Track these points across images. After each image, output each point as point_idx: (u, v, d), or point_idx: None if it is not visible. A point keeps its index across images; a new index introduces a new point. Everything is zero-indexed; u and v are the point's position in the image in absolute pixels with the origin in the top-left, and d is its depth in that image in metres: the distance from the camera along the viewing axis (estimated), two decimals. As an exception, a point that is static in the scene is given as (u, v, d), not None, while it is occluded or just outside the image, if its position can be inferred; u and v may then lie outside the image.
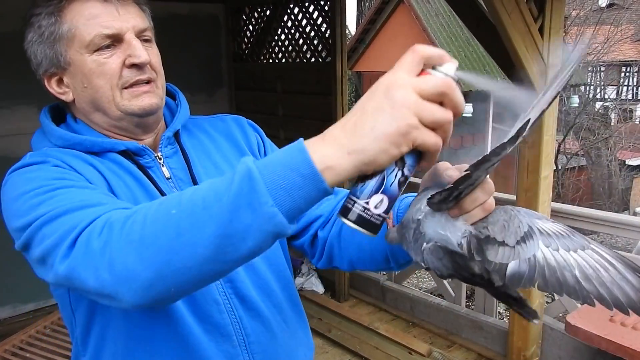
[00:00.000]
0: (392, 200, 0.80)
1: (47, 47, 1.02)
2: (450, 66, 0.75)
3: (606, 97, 17.11)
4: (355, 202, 0.79)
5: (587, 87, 14.91)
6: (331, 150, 0.71)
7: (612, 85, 18.47)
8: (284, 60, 4.45)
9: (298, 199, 0.70)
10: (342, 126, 0.72)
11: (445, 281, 4.05)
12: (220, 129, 1.22)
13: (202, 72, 4.64)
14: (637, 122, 17.13)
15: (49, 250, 0.85)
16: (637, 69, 18.62)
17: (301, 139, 0.74)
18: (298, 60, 4.32)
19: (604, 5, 16.66)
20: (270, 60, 4.55)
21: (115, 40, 1.01)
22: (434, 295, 4.31)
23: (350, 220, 0.79)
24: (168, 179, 1.09)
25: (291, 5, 4.23)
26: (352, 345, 3.63)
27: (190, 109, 1.21)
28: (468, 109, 8.02)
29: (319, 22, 4.07)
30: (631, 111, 17.81)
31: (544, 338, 3.31)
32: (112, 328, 1.03)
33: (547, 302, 3.55)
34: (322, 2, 3.98)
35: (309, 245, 1.20)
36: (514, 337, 3.27)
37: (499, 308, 3.95)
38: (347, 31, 4.26)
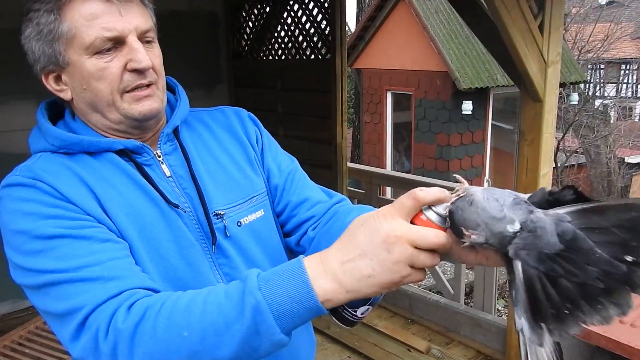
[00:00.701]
0: (374, 303, 0.98)
1: (46, 45, 0.99)
2: (443, 206, 0.80)
3: (606, 94, 17.11)
4: (344, 308, 0.96)
5: (587, 85, 14.91)
6: (331, 287, 0.79)
7: (611, 83, 18.48)
8: (283, 57, 4.44)
9: (299, 322, 0.80)
10: (341, 263, 0.79)
11: (444, 278, 4.06)
12: (220, 122, 1.21)
13: (202, 69, 4.64)
14: (637, 120, 17.14)
15: (56, 315, 0.90)
16: (636, 66, 18.62)
17: (301, 263, 0.81)
18: (297, 57, 4.32)
19: (603, 2, 16.67)
20: (270, 57, 4.54)
21: (117, 42, 0.97)
22: (433, 292, 4.31)
23: (336, 318, 0.97)
24: (168, 177, 1.07)
25: (291, 2, 4.23)
26: (351, 342, 3.63)
27: (189, 105, 1.19)
28: (468, 107, 8.02)
29: (318, 19, 4.06)
30: (630, 109, 17.83)
31: (542, 335, 3.31)
32: None
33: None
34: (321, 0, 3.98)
35: (296, 244, 1.22)
36: (513, 335, 3.27)
37: (497, 305, 3.95)
38: (346, 28, 4.26)
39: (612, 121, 15.06)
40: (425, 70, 8.46)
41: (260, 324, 0.77)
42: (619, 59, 16.89)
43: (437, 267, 4.13)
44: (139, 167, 1.04)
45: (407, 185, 4.65)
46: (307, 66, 4.22)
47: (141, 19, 0.99)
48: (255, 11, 4.56)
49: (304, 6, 4.13)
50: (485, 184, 8.51)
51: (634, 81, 19.59)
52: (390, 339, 3.64)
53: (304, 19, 4.17)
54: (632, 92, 19.56)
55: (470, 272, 5.40)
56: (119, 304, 0.85)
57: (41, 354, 2.99)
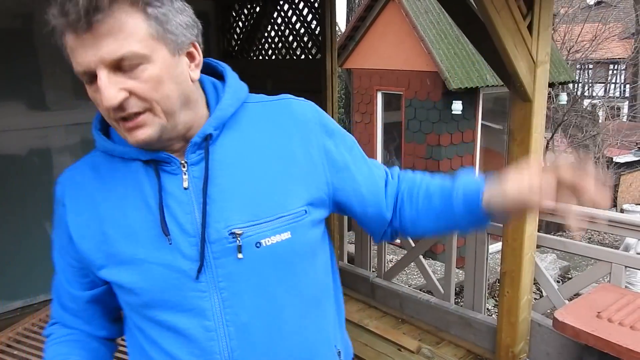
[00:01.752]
0: None
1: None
2: None
3: (594, 94, 17.21)
4: None
5: (575, 85, 14.99)
6: None
7: (600, 83, 18.59)
8: (273, 57, 4.44)
9: None
10: None
11: (434, 278, 4.07)
12: (278, 123, 1.08)
13: (192, 68, 4.62)
14: (625, 120, 17.25)
15: None
16: (624, 66, 18.73)
17: None
18: (288, 57, 4.32)
19: (591, 3, 16.76)
20: (260, 57, 4.54)
21: (92, 76, 0.91)
22: (423, 292, 4.32)
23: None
24: (186, 189, 1.02)
25: (281, 2, 4.23)
26: (342, 342, 3.63)
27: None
28: (458, 107, 8.04)
29: (308, 19, 4.06)
30: (619, 109, 17.94)
31: (532, 334, 3.33)
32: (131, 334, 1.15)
33: (535, 299, 3.57)
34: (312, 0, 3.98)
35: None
36: (503, 334, 3.29)
37: (487, 305, 3.97)
38: (337, 28, 4.26)
39: (600, 121, 15.15)
40: (415, 71, 8.47)
41: None
42: (607, 59, 16.99)
43: (427, 267, 4.14)
44: (161, 177, 1.02)
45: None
46: (298, 66, 4.22)
47: (111, 47, 0.88)
48: (246, 11, 4.56)
49: (294, 6, 4.14)
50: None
51: (622, 81, 19.71)
52: (381, 339, 3.64)
53: (294, 19, 4.17)
54: (620, 92, 19.69)
55: (460, 271, 5.42)
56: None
57: (29, 356, 2.97)
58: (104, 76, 0.89)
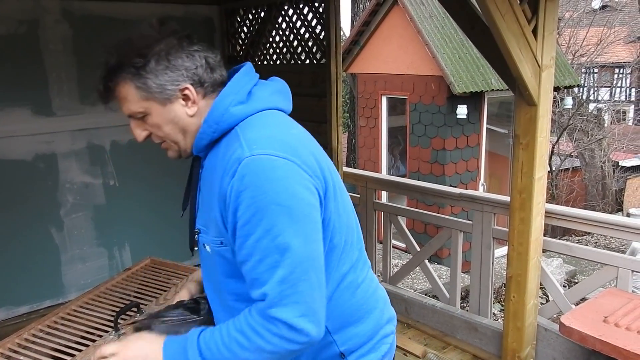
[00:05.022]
0: None
1: None
2: None
3: (599, 98, 17.18)
4: None
5: (581, 89, 14.96)
6: None
7: (605, 87, 18.56)
8: (278, 62, 4.45)
9: None
10: None
11: (440, 282, 4.06)
12: (224, 157, 1.28)
13: (197, 74, 4.63)
14: (630, 124, 17.20)
15: None
16: (629, 70, 18.70)
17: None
18: (292, 62, 4.32)
19: (597, 7, 16.74)
20: (265, 62, 4.54)
21: None
22: (429, 296, 4.31)
23: None
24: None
25: (285, 7, 4.23)
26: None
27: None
28: (462, 111, 8.02)
29: (313, 23, 4.06)
30: (624, 112, 17.91)
31: (538, 339, 3.32)
32: None
33: (541, 304, 3.56)
34: (316, 4, 3.98)
35: None
36: (509, 339, 3.28)
37: (493, 309, 3.96)
38: (341, 33, 4.26)
39: (606, 125, 15.12)
40: (420, 75, 8.46)
41: None
42: (613, 62, 16.95)
43: (433, 271, 4.13)
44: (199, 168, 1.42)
45: (403, 190, 4.66)
46: (302, 71, 4.22)
47: (128, 105, 1.31)
48: (250, 16, 4.57)
49: (298, 11, 4.14)
50: (481, 188, 8.52)
51: (628, 85, 19.67)
52: (386, 344, 3.63)
53: (298, 23, 4.17)
54: (626, 95, 19.65)
55: (466, 276, 5.40)
56: None
57: (36, 361, 2.96)
58: (131, 122, 1.36)
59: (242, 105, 1.30)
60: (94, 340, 2.99)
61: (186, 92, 1.30)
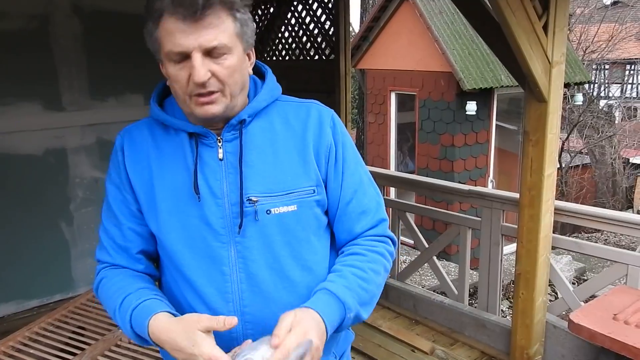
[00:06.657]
0: None
1: (153, 42, 1.22)
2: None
3: (610, 95, 17.07)
4: None
5: (591, 85, 14.87)
6: None
7: (616, 83, 18.44)
8: (287, 58, 4.45)
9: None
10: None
11: (448, 279, 4.05)
12: (300, 119, 1.34)
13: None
14: (641, 121, 17.08)
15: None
16: (641, 67, 18.55)
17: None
18: (302, 58, 4.32)
19: (608, 3, 16.62)
20: (274, 58, 4.55)
21: (184, 56, 1.16)
22: (437, 293, 4.31)
23: None
24: (220, 160, 1.28)
25: (294, 3, 4.23)
26: (355, 342, 3.61)
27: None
28: (472, 107, 8.00)
29: (322, 19, 4.06)
30: (635, 109, 17.77)
31: (547, 336, 3.31)
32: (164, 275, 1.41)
33: (550, 300, 3.55)
34: (325, 0, 3.98)
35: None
36: (517, 335, 3.27)
37: (502, 306, 3.95)
38: (350, 29, 4.26)
39: (616, 121, 15.03)
40: (429, 71, 8.44)
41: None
42: (624, 59, 16.83)
43: (441, 268, 4.13)
44: (200, 147, 1.28)
45: (411, 186, 4.65)
46: (311, 67, 4.23)
47: (209, 37, 1.15)
48: (260, 12, 4.57)
49: (307, 7, 4.14)
50: (490, 185, 8.50)
51: (639, 81, 19.53)
52: (394, 340, 3.64)
53: (307, 19, 4.17)
54: (637, 92, 19.50)
55: (475, 272, 5.39)
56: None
57: (45, 354, 2.99)
58: (198, 58, 1.16)
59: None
60: (103, 335, 3.02)
61: (251, 52, 1.32)
